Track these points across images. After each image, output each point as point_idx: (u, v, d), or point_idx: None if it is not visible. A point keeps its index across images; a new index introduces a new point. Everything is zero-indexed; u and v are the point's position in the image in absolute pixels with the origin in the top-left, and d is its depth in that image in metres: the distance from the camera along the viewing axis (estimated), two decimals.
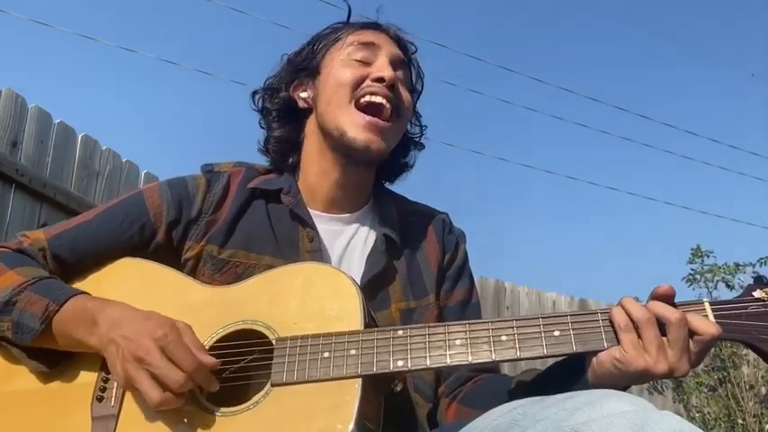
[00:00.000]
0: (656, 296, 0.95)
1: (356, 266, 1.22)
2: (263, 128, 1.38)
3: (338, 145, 1.24)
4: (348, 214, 1.30)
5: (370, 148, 1.21)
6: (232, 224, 1.22)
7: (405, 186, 1.45)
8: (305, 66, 1.32)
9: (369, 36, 1.30)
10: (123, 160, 3.57)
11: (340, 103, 1.23)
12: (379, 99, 1.23)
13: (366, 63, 1.26)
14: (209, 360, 0.98)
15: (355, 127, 1.21)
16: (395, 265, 1.25)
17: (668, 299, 0.95)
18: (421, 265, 1.28)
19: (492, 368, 1.24)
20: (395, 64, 1.28)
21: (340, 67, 1.27)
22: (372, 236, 1.28)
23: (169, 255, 1.22)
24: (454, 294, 1.30)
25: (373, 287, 1.20)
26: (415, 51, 1.38)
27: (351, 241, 1.27)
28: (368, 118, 1.21)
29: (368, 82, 1.23)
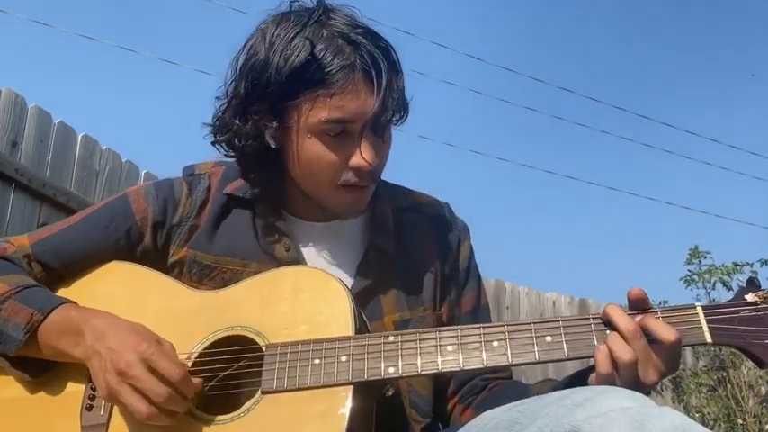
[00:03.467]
0: (629, 300, 0.97)
1: (345, 277, 1.17)
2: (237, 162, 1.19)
3: (319, 205, 1.19)
4: (333, 222, 1.23)
5: (350, 211, 1.19)
6: (214, 228, 1.20)
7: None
8: (268, 108, 1.10)
9: (338, 105, 1.05)
10: (123, 160, 3.57)
11: (319, 187, 1.14)
12: (359, 191, 1.14)
13: (341, 138, 1.09)
14: (194, 380, 0.97)
15: (335, 201, 1.15)
16: (387, 276, 1.20)
17: (642, 302, 0.97)
18: (417, 272, 1.22)
19: (507, 376, 1.23)
20: (374, 123, 1.09)
21: (311, 142, 1.09)
22: (362, 245, 1.22)
23: (156, 259, 1.20)
24: (463, 302, 1.26)
25: (364, 300, 1.16)
26: (399, 75, 1.13)
27: (335, 251, 1.22)
28: (352, 193, 1.14)
29: (348, 172, 1.10)
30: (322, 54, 1.06)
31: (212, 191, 1.23)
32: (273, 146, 1.15)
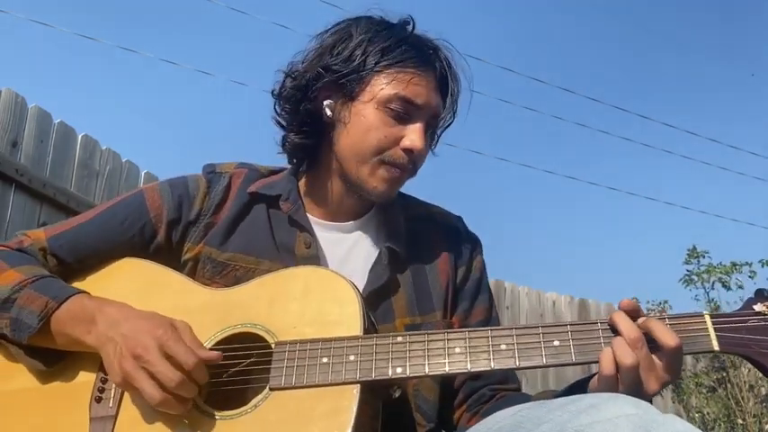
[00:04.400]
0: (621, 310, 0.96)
1: (358, 278, 1.18)
2: (276, 113, 1.28)
3: (352, 184, 1.21)
4: (349, 222, 1.27)
5: (385, 195, 1.20)
6: (231, 226, 1.21)
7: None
8: (344, 82, 1.18)
9: (414, 88, 1.16)
10: (123, 160, 3.57)
11: (363, 157, 1.17)
12: (399, 172, 1.18)
13: (402, 119, 1.17)
14: (211, 355, 0.98)
15: (375, 178, 1.18)
16: (399, 279, 1.21)
17: (633, 313, 0.95)
18: (429, 279, 1.24)
19: (515, 388, 1.24)
20: (430, 121, 1.20)
21: (374, 113, 1.16)
22: (375, 247, 1.24)
23: (169, 255, 1.21)
24: (474, 314, 1.26)
25: (376, 300, 1.17)
26: (458, 93, 1.25)
27: (351, 251, 1.24)
28: (391, 171, 1.17)
29: (396, 150, 1.17)
30: (410, 43, 1.20)
31: (233, 190, 1.25)
32: (329, 114, 1.20)
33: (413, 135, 1.16)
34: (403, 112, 1.16)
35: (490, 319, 1.28)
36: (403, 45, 1.18)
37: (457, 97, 1.25)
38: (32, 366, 1.09)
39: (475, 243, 1.33)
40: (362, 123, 1.17)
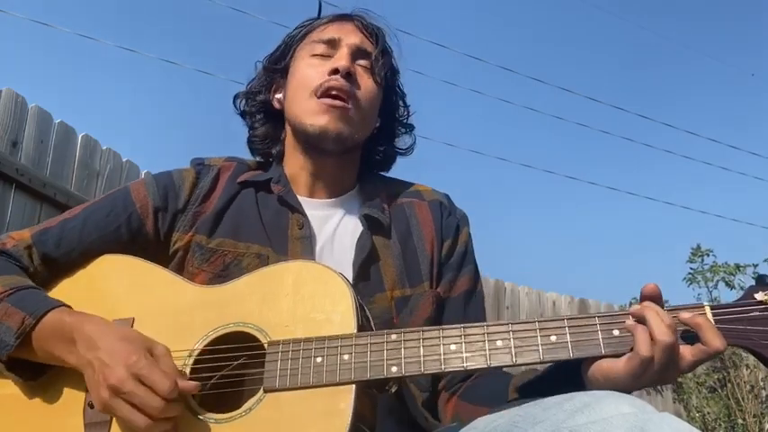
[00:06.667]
0: (645, 296, 0.94)
1: (347, 253, 1.20)
2: (248, 127, 1.39)
3: (301, 135, 1.26)
4: (333, 199, 1.29)
5: (328, 129, 1.21)
6: (219, 214, 1.22)
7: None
8: (277, 68, 1.34)
9: (330, 31, 1.29)
10: (123, 160, 3.57)
11: (301, 98, 1.24)
12: (334, 92, 1.21)
13: (327, 57, 1.26)
14: (189, 384, 0.96)
15: (313, 114, 1.22)
16: (384, 245, 1.23)
17: (656, 298, 0.93)
18: (417, 250, 1.25)
19: None
20: (355, 54, 1.27)
21: (302, 65, 1.28)
22: (359, 220, 1.25)
23: (158, 248, 1.21)
24: (458, 284, 1.26)
25: (365, 270, 1.18)
26: (384, 36, 1.34)
27: (338, 227, 1.25)
28: (325, 101, 1.21)
29: (325, 76, 1.23)
30: (328, 15, 1.35)
31: (221, 181, 1.27)
32: (278, 106, 1.34)
33: (336, 57, 1.25)
34: (326, 52, 1.27)
35: (474, 292, 1.28)
36: (318, 16, 1.35)
37: (384, 39, 1.32)
38: (14, 380, 1.07)
39: (461, 217, 1.34)
40: (297, 78, 1.28)
